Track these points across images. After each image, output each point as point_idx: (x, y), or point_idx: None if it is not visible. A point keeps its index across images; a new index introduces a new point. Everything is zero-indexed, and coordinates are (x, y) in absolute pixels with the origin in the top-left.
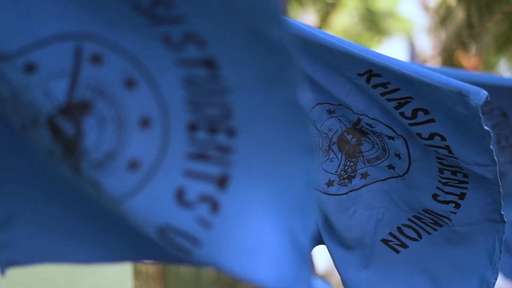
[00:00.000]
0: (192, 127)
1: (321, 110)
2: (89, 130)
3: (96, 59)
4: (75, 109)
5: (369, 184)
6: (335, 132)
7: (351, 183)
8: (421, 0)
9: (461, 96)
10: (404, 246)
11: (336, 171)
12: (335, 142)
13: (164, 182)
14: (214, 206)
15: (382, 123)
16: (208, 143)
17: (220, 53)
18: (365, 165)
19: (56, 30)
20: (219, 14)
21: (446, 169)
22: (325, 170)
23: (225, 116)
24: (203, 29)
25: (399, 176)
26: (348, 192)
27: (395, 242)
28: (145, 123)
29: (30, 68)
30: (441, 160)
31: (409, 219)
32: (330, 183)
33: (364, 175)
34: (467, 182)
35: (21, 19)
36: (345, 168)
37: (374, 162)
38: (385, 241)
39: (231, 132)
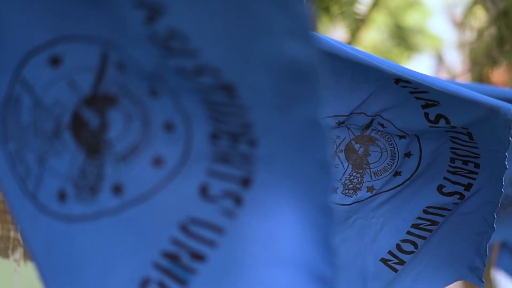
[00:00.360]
0: (214, 136)
1: (330, 122)
2: (114, 122)
3: (121, 66)
4: (100, 100)
5: (374, 195)
6: (343, 139)
7: (356, 195)
8: (450, 16)
9: (491, 112)
10: (402, 263)
11: (341, 179)
12: (342, 150)
13: (188, 179)
14: (238, 200)
15: (395, 126)
16: (230, 149)
17: (236, 78)
18: (371, 178)
19: (84, 31)
20: (237, 41)
21: (458, 159)
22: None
23: (245, 131)
24: (218, 61)
25: (406, 180)
26: (352, 204)
27: (394, 261)
28: (169, 127)
29: (55, 61)
30: (455, 150)
31: (408, 232)
32: (333, 190)
33: (370, 189)
34: (477, 173)
35: (51, 14)
36: (351, 178)
37: (381, 174)
38: (384, 261)
39: (252, 143)
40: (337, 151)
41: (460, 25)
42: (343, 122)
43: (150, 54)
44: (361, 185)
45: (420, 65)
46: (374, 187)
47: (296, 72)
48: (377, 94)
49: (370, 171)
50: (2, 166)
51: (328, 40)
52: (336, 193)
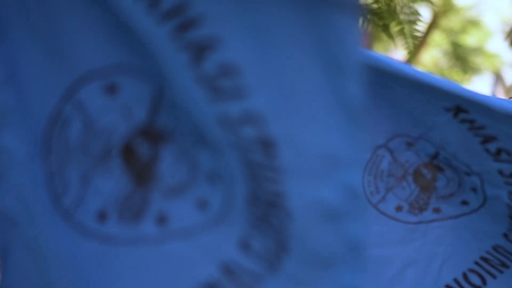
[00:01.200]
0: (251, 201)
1: (400, 141)
2: (166, 157)
3: (174, 105)
4: (155, 134)
5: (440, 220)
6: (412, 164)
7: (421, 215)
8: (508, 36)
9: None
10: None
11: (407, 199)
12: (410, 174)
13: (230, 231)
14: (279, 259)
15: (459, 160)
16: (262, 218)
17: (279, 132)
18: (437, 201)
19: (141, 62)
20: (285, 84)
21: None
22: (395, 195)
23: (278, 201)
24: (265, 107)
25: (472, 211)
26: (417, 223)
27: None
28: (211, 178)
29: (112, 89)
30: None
31: (475, 262)
32: (399, 208)
33: (436, 210)
34: None
35: (106, 42)
36: (417, 199)
37: (447, 198)
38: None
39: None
40: (405, 174)
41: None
42: (412, 144)
43: (196, 101)
44: (427, 206)
45: (479, 84)
46: (441, 209)
47: (339, 124)
48: (439, 128)
49: (436, 194)
50: (37, 178)
51: (390, 60)
52: (402, 211)
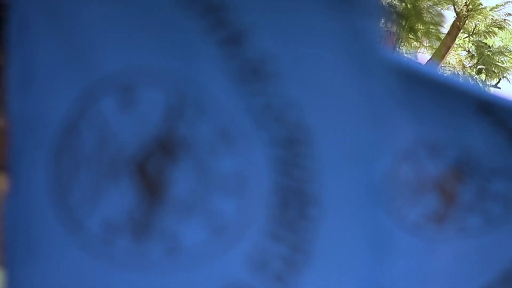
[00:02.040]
0: (281, 205)
1: (423, 149)
2: (179, 172)
3: (199, 106)
4: (170, 146)
5: (460, 236)
6: (435, 173)
7: (443, 224)
8: None
9: None
10: None
11: (427, 210)
12: (432, 184)
13: (242, 248)
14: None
15: (484, 164)
16: (291, 221)
17: (314, 120)
18: (460, 212)
19: (159, 62)
20: (316, 78)
21: None
22: (415, 205)
23: (310, 197)
24: (300, 94)
25: (494, 225)
26: (437, 234)
27: None
28: (228, 186)
29: (129, 101)
30: None
31: (499, 278)
32: (419, 218)
33: (458, 221)
34: None
35: (125, 43)
36: (438, 211)
37: (469, 211)
38: None
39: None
40: (427, 184)
41: None
42: (435, 152)
43: (228, 94)
44: (447, 217)
45: (504, 85)
46: (461, 221)
47: (367, 128)
48: (462, 131)
49: (456, 205)
50: (37, 171)
51: (411, 62)
52: (422, 221)
